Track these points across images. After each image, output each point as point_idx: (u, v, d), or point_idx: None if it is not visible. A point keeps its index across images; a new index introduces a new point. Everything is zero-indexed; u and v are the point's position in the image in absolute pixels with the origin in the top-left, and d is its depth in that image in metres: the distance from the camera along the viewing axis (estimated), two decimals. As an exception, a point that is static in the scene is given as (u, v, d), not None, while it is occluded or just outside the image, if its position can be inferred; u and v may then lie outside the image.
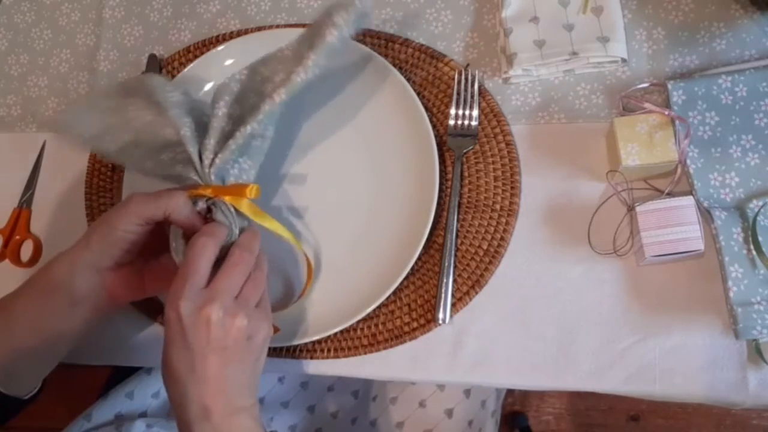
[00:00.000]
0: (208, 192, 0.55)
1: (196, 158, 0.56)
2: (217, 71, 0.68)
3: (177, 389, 0.50)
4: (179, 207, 0.54)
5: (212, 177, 0.56)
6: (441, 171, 0.62)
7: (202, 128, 0.58)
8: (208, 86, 0.69)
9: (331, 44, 0.55)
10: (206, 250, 0.51)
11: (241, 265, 0.52)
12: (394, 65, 0.65)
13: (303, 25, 0.70)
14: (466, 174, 0.63)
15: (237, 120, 0.58)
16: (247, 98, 0.59)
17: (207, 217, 0.56)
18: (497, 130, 0.63)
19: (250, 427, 0.51)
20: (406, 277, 0.60)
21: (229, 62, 0.69)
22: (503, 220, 0.61)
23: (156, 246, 0.58)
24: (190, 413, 0.49)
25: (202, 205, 0.55)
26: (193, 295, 0.49)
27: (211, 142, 0.56)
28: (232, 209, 0.55)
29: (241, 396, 0.51)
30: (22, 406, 0.56)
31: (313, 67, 0.55)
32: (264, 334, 0.53)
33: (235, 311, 0.50)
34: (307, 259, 0.61)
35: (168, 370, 0.50)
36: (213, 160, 0.56)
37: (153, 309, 0.66)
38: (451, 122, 0.64)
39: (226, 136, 0.57)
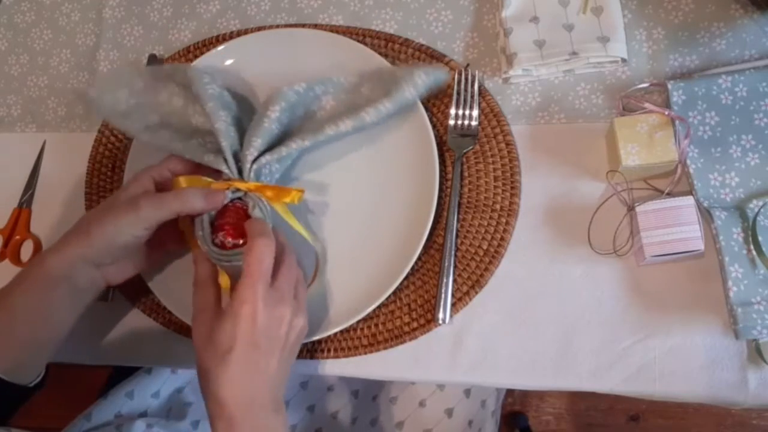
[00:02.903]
0: (246, 187, 0.58)
1: (228, 153, 0.58)
2: (218, 72, 0.68)
3: (228, 392, 0.50)
4: (192, 203, 0.55)
5: (252, 173, 0.58)
6: (441, 171, 0.62)
7: (236, 122, 0.61)
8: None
9: (406, 99, 0.60)
10: (269, 250, 0.52)
11: (293, 267, 0.55)
12: (394, 65, 0.65)
13: (303, 25, 0.70)
14: (466, 174, 0.63)
15: (284, 127, 0.61)
16: (297, 109, 0.62)
17: (229, 205, 0.57)
18: (497, 130, 0.63)
19: (286, 427, 0.53)
20: (406, 277, 0.60)
21: (229, 62, 0.69)
22: (503, 220, 0.61)
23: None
24: (237, 410, 0.49)
25: (231, 195, 0.57)
26: (265, 295, 0.51)
27: (258, 141, 0.58)
28: (269, 207, 0.58)
29: (282, 394, 0.54)
30: (29, 395, 0.56)
31: (385, 113, 0.60)
32: (306, 332, 0.56)
33: (298, 311, 0.54)
34: (317, 260, 0.62)
35: (219, 373, 0.50)
36: (258, 157, 0.58)
37: (134, 293, 0.67)
38: (451, 122, 0.64)
39: (271, 139, 0.60)
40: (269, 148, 0.60)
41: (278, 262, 0.54)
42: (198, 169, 0.60)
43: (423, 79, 0.60)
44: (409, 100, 0.61)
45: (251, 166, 0.58)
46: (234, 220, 0.56)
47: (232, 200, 0.58)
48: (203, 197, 0.56)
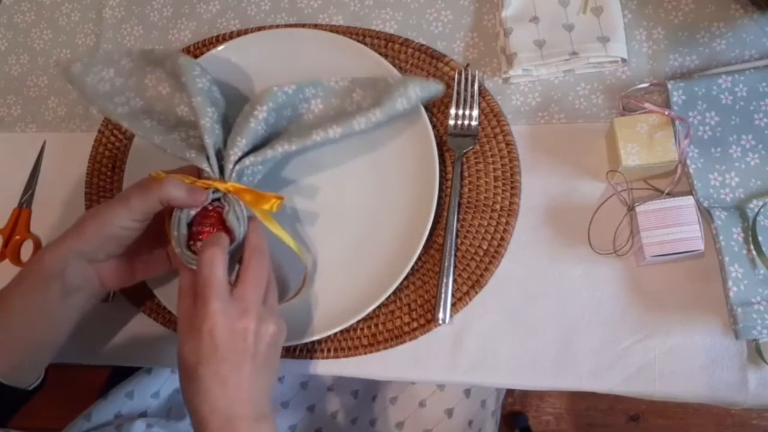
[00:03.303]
0: (224, 187, 0.56)
1: (211, 151, 0.57)
2: (217, 71, 0.68)
3: (203, 401, 0.49)
4: (174, 191, 0.54)
5: (233, 174, 0.57)
6: (441, 171, 0.62)
7: (222, 120, 0.60)
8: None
9: (397, 111, 0.60)
10: (217, 260, 0.50)
11: (262, 270, 0.53)
12: (394, 65, 0.65)
13: (303, 25, 0.70)
14: (466, 174, 0.63)
15: (270, 127, 0.60)
16: (284, 110, 0.61)
17: (208, 208, 0.56)
18: (497, 130, 0.63)
19: (271, 429, 0.51)
20: (406, 277, 0.60)
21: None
22: (503, 220, 0.61)
23: (144, 234, 0.58)
24: (214, 423, 0.49)
25: (211, 196, 0.56)
26: (224, 308, 0.49)
27: (243, 141, 0.57)
28: (245, 211, 0.56)
29: (265, 402, 0.52)
30: (28, 398, 0.56)
31: (375, 122, 0.59)
32: (284, 337, 0.54)
33: (266, 318, 0.51)
34: (306, 270, 0.61)
35: (194, 382, 0.50)
36: (241, 158, 0.57)
37: (139, 297, 0.66)
38: (451, 122, 0.64)
39: (257, 140, 0.59)
40: (254, 149, 0.59)
41: (245, 267, 0.52)
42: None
43: (417, 93, 0.60)
44: (400, 112, 0.60)
45: (233, 167, 0.57)
46: (212, 228, 0.55)
47: (212, 201, 0.56)
48: (186, 189, 0.54)
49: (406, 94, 0.59)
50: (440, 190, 0.61)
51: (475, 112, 0.64)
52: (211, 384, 0.49)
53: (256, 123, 0.58)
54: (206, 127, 0.57)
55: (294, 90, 0.61)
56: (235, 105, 0.66)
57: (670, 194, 0.58)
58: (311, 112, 0.63)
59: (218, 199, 0.57)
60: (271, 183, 0.65)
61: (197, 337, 0.49)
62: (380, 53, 0.65)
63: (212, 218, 0.56)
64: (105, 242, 0.56)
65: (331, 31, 0.68)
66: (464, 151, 0.63)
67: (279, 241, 0.58)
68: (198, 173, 0.58)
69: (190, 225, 0.56)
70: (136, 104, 0.62)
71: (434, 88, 0.61)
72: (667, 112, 0.56)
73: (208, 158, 0.57)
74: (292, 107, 0.62)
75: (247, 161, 0.57)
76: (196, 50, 0.72)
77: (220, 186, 0.56)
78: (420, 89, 0.60)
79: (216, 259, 0.50)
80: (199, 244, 0.54)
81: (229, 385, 0.49)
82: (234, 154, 0.57)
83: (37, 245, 0.72)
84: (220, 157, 0.58)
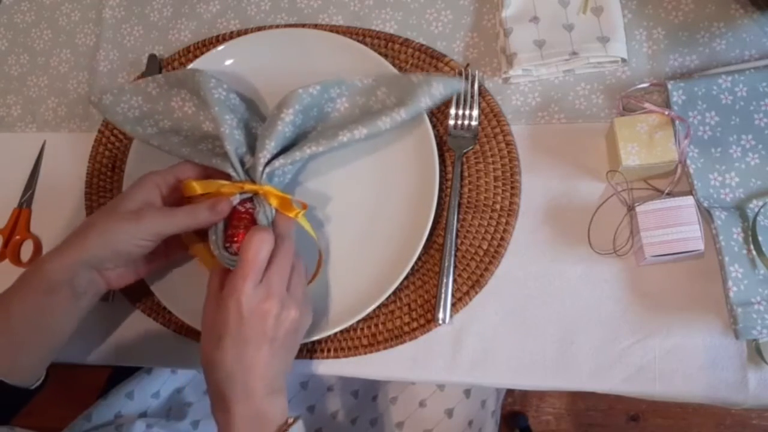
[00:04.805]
0: (255, 189, 0.58)
1: (233, 156, 0.58)
2: (217, 71, 0.68)
3: (222, 375, 0.52)
4: (199, 219, 0.57)
5: (264, 176, 0.58)
6: (441, 171, 0.62)
7: (242, 125, 0.61)
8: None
9: (421, 109, 0.60)
10: (266, 246, 0.53)
11: (288, 257, 0.55)
12: (394, 65, 0.65)
13: (303, 25, 0.70)
14: (466, 174, 0.63)
15: (297, 128, 0.61)
16: (311, 110, 0.62)
17: (240, 210, 0.58)
18: (497, 130, 0.63)
19: (284, 407, 0.54)
20: (406, 277, 0.61)
21: (229, 62, 0.69)
22: (503, 220, 0.61)
23: None
24: (232, 394, 0.51)
25: (239, 197, 0.58)
26: (253, 289, 0.51)
27: (271, 143, 0.58)
28: (273, 212, 0.58)
29: (279, 379, 0.54)
30: (30, 397, 0.57)
31: (400, 122, 0.60)
32: (306, 323, 0.56)
33: (289, 304, 0.53)
34: (320, 254, 0.61)
35: (214, 358, 0.52)
36: (270, 160, 0.59)
37: (134, 294, 0.67)
38: (451, 122, 0.64)
39: (285, 142, 0.60)
40: (282, 150, 0.60)
41: (272, 255, 0.54)
42: (207, 173, 0.61)
43: (440, 90, 0.60)
44: (423, 110, 0.61)
45: (263, 169, 0.58)
46: (246, 230, 0.56)
47: (242, 201, 0.58)
48: (208, 210, 0.57)
49: (430, 92, 0.60)
50: (440, 190, 0.61)
51: (475, 112, 0.64)
52: (229, 359, 0.51)
53: (283, 125, 0.59)
54: (226, 134, 0.59)
55: (318, 90, 0.61)
56: (245, 107, 0.66)
57: (670, 194, 0.58)
58: (337, 110, 0.64)
59: (251, 200, 0.58)
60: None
61: (222, 312, 0.52)
62: (380, 53, 0.65)
63: (245, 220, 0.57)
64: (115, 257, 0.57)
65: (331, 31, 0.68)
66: (464, 151, 0.63)
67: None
68: (226, 178, 0.60)
69: (225, 228, 0.58)
70: (165, 125, 0.65)
71: (456, 84, 0.61)
72: (667, 112, 0.56)
73: (232, 164, 0.58)
74: (318, 107, 0.63)
75: (276, 163, 0.58)
76: (196, 50, 0.72)
77: (253, 188, 0.58)
78: (443, 87, 0.60)
79: (265, 244, 0.52)
80: (235, 246, 0.56)
81: (245, 363, 0.52)
82: (263, 156, 0.58)
83: (37, 245, 0.72)
84: (243, 161, 0.59)
